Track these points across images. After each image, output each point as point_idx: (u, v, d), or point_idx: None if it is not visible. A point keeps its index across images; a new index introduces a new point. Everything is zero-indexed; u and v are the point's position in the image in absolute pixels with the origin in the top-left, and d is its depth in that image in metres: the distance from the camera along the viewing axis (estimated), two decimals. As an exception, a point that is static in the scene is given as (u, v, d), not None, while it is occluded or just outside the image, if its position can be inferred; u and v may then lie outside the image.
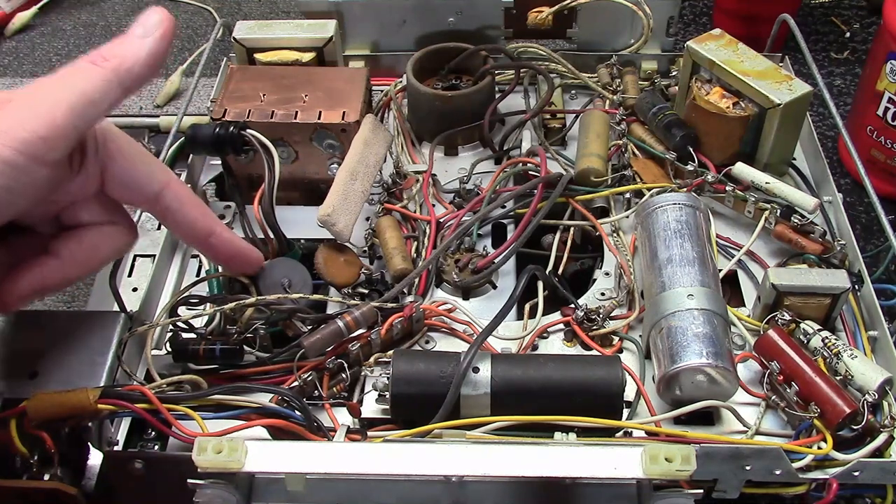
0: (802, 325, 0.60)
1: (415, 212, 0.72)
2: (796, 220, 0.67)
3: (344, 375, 0.59)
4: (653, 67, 0.86)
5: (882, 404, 0.56)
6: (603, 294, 0.67)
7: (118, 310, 0.61)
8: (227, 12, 1.44)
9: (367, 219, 0.72)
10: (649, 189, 0.72)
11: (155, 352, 0.61)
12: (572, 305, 0.65)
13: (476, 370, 0.56)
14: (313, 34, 0.80)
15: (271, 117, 0.72)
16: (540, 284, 0.65)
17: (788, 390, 0.56)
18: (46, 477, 0.52)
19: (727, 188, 0.71)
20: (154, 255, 0.68)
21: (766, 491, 0.53)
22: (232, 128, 0.69)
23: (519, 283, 0.63)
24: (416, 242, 0.70)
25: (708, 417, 0.58)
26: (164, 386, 0.58)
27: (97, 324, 0.59)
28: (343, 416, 0.58)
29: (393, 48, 0.89)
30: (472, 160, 0.79)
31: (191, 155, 0.76)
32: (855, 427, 0.54)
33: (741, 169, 0.70)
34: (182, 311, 0.61)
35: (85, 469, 0.56)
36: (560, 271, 0.69)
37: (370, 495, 0.54)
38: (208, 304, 0.61)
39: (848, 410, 0.53)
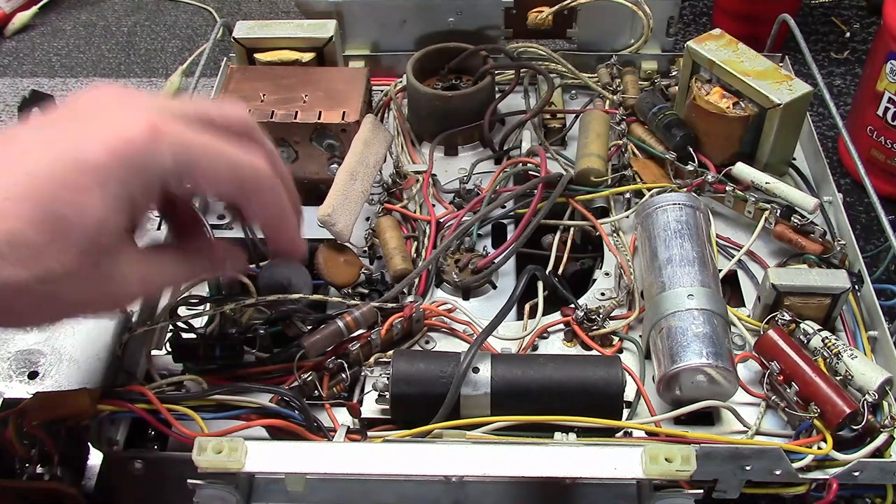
0: (802, 325, 0.60)
1: (415, 212, 0.72)
2: (796, 220, 0.67)
3: (344, 375, 0.59)
4: (653, 67, 0.86)
5: (882, 404, 0.56)
6: (603, 294, 0.67)
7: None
8: (227, 12, 1.44)
9: (367, 219, 0.72)
10: (649, 189, 0.72)
11: (155, 352, 0.61)
12: (572, 305, 0.65)
13: (476, 370, 0.56)
14: (313, 34, 0.80)
15: (271, 117, 0.72)
16: (540, 284, 0.65)
17: (788, 390, 0.56)
18: (46, 477, 0.52)
19: (727, 188, 0.71)
20: (154, 255, 0.68)
21: (766, 491, 0.53)
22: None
23: (519, 283, 0.63)
24: (416, 242, 0.70)
25: (708, 417, 0.58)
26: (164, 386, 0.58)
27: (97, 324, 0.59)
28: (343, 416, 0.58)
29: (393, 48, 0.89)
30: (472, 160, 0.79)
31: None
32: (855, 427, 0.54)
33: (741, 169, 0.70)
34: (182, 311, 0.61)
35: (85, 469, 0.56)
36: (560, 271, 0.69)
37: (370, 495, 0.54)
38: (208, 305, 0.61)
39: (848, 410, 0.53)
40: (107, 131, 0.41)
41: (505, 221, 0.74)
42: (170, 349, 0.59)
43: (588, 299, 0.67)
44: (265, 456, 0.47)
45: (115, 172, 0.41)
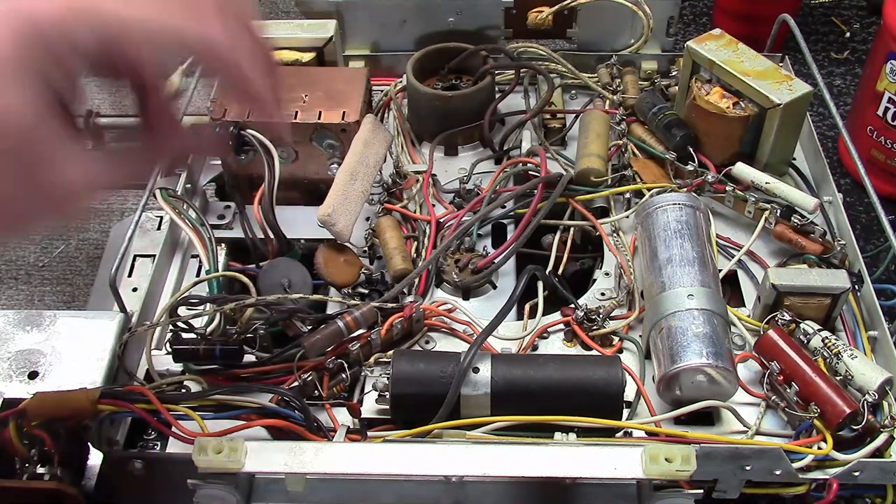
0: (802, 325, 0.60)
1: (415, 212, 0.72)
2: (796, 220, 0.67)
3: (344, 375, 0.59)
4: (653, 67, 0.86)
5: (882, 404, 0.56)
6: (603, 294, 0.67)
7: (118, 310, 0.61)
8: (227, 12, 1.44)
9: (367, 219, 0.72)
10: (649, 189, 0.72)
11: (155, 352, 0.61)
12: (572, 305, 0.65)
13: (476, 370, 0.56)
14: (313, 34, 0.80)
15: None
16: (540, 284, 0.65)
17: (788, 390, 0.56)
18: (46, 477, 0.52)
19: (727, 188, 0.71)
20: (154, 256, 0.68)
21: (766, 491, 0.53)
22: (232, 128, 0.69)
23: (519, 283, 0.63)
24: (416, 242, 0.70)
25: (708, 417, 0.58)
26: (164, 386, 0.58)
27: (97, 324, 0.59)
28: (343, 416, 0.58)
29: (393, 48, 0.89)
30: (472, 160, 0.79)
31: (191, 155, 0.76)
32: (855, 427, 0.54)
33: (741, 169, 0.70)
34: (182, 311, 0.61)
35: (85, 469, 0.56)
36: (560, 271, 0.69)
37: (370, 495, 0.54)
38: (208, 305, 0.61)
39: (848, 410, 0.53)
40: (14, 12, 0.37)
41: (505, 221, 0.74)
42: (170, 349, 0.59)
43: (588, 299, 0.67)
44: (265, 456, 0.47)
45: (24, 58, 0.37)
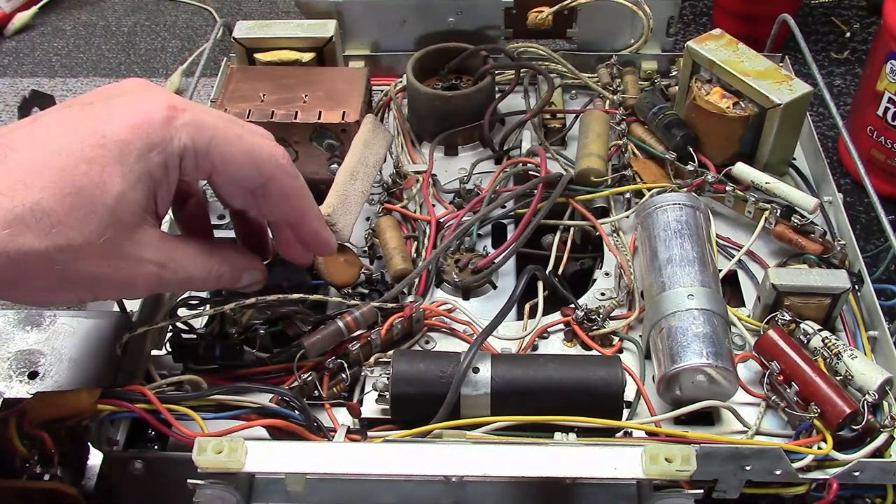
0: (802, 326, 0.60)
1: (415, 212, 0.72)
2: (796, 220, 0.67)
3: (344, 375, 0.59)
4: (653, 67, 0.86)
5: (882, 404, 0.56)
6: (603, 294, 0.67)
7: (118, 310, 0.61)
8: (227, 12, 1.44)
9: (367, 219, 0.72)
10: (649, 189, 0.72)
11: (155, 352, 0.61)
12: (572, 305, 0.65)
13: (476, 370, 0.56)
14: (313, 34, 0.80)
15: (271, 117, 0.72)
16: (540, 284, 0.65)
17: (788, 390, 0.56)
18: (46, 477, 0.52)
19: (727, 188, 0.71)
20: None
21: (766, 491, 0.53)
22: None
23: (519, 283, 0.63)
24: (416, 242, 0.70)
25: (708, 417, 0.58)
26: (164, 386, 0.58)
27: (97, 324, 0.59)
28: (343, 416, 0.58)
29: (393, 48, 0.89)
30: (472, 160, 0.79)
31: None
32: (855, 427, 0.54)
33: (741, 169, 0.70)
34: (182, 311, 0.61)
35: (85, 469, 0.56)
36: (560, 271, 0.69)
37: (370, 495, 0.54)
38: (208, 305, 0.61)
39: (848, 410, 0.53)
40: (129, 110, 0.43)
41: (505, 221, 0.74)
42: (170, 349, 0.60)
43: (588, 299, 0.67)
44: (265, 456, 0.47)
45: (134, 148, 0.42)
